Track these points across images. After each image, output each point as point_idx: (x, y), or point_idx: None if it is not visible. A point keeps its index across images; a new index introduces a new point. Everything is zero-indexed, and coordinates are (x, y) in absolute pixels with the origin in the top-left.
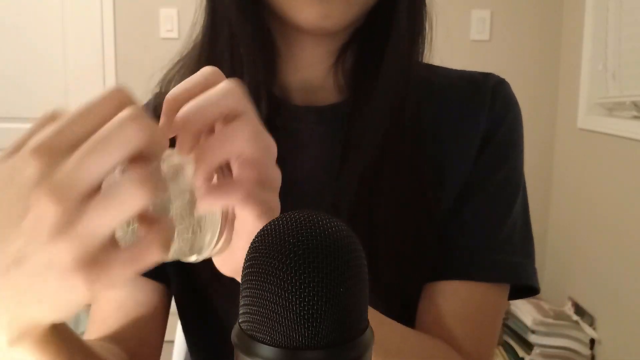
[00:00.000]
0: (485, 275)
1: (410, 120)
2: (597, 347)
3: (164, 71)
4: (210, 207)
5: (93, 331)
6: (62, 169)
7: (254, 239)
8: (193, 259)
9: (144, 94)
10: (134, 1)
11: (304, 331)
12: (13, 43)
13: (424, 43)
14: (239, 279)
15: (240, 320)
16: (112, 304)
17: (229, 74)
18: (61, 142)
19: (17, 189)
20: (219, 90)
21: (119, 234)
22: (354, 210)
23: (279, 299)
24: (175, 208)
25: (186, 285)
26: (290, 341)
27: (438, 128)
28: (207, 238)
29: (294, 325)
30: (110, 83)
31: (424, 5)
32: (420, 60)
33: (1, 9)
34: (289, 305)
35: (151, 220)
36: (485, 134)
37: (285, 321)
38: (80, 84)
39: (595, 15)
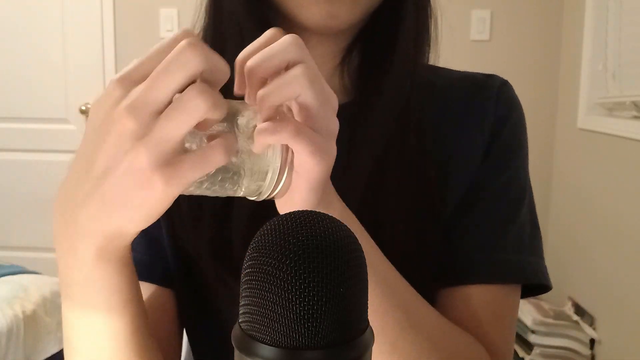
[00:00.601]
0: (501, 277)
1: (414, 121)
2: (597, 347)
3: None
4: (263, 144)
5: None
6: (136, 90)
7: (253, 239)
8: (254, 197)
9: None
10: (134, 1)
11: (304, 331)
12: (13, 43)
13: (429, 44)
14: None
15: (240, 320)
16: None
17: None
18: (137, 73)
19: (104, 110)
20: (280, 41)
21: (191, 146)
22: (360, 210)
23: (279, 299)
24: (242, 149)
25: (190, 286)
26: (290, 341)
27: (442, 129)
28: (268, 178)
29: (294, 325)
30: None
31: (429, 5)
32: (426, 61)
33: (1, 9)
34: (289, 305)
35: (216, 136)
36: (490, 135)
37: (285, 321)
38: (80, 84)
39: (595, 15)
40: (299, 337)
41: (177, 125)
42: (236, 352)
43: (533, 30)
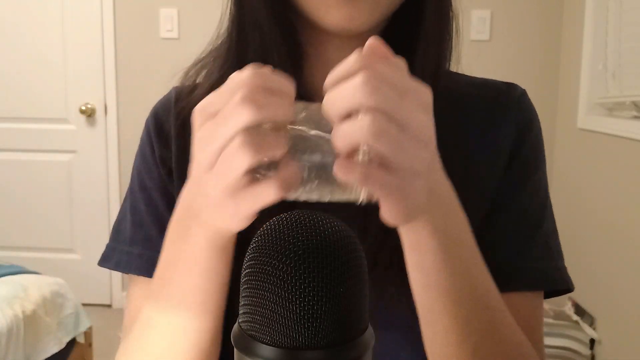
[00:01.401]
0: (533, 284)
1: (436, 128)
2: (597, 347)
3: (187, 68)
4: (340, 177)
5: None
6: (204, 130)
7: (253, 239)
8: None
9: (144, 93)
10: (134, 1)
11: (304, 331)
12: (13, 44)
13: (451, 48)
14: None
15: (240, 320)
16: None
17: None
18: (212, 107)
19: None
20: (352, 84)
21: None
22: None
23: (279, 299)
24: (324, 164)
25: None
26: (290, 341)
27: (462, 138)
28: (343, 196)
29: (294, 325)
30: (111, 83)
31: (451, 6)
32: (447, 65)
33: (1, 9)
34: (289, 305)
35: (282, 165)
36: (513, 146)
37: (285, 321)
38: (80, 84)
39: (595, 15)
40: (299, 337)
41: (230, 168)
42: (236, 352)
43: (533, 30)
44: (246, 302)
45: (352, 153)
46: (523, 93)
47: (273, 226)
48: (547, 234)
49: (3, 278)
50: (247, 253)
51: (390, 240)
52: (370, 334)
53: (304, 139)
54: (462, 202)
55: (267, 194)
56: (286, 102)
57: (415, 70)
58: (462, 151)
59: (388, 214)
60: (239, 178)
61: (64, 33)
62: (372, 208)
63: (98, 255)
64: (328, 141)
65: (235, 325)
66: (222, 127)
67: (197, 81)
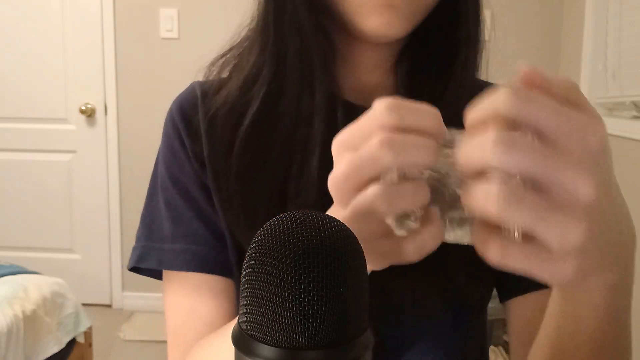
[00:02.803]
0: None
1: None
2: None
3: (210, 63)
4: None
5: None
6: (340, 163)
7: (254, 239)
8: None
9: (144, 93)
10: (134, 1)
11: (304, 331)
12: (13, 44)
13: (481, 53)
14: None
15: (240, 320)
16: (195, 317)
17: (297, 78)
18: (350, 140)
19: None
20: (491, 141)
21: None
22: None
23: (279, 299)
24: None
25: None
26: (290, 341)
27: None
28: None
29: (294, 325)
30: (111, 83)
31: (481, 11)
32: (477, 71)
33: (1, 10)
34: (289, 305)
35: (427, 219)
36: None
37: (285, 321)
38: (80, 84)
39: (595, 15)
40: (299, 337)
41: (366, 219)
42: (236, 352)
43: (533, 30)
44: (246, 302)
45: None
46: None
47: (273, 226)
48: None
49: (3, 278)
50: (247, 253)
51: None
52: (370, 334)
53: (440, 186)
54: None
55: (410, 254)
56: (429, 143)
57: (456, 73)
58: None
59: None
60: (378, 221)
61: (64, 33)
62: None
63: (98, 255)
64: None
65: (235, 325)
66: (358, 168)
67: (222, 76)
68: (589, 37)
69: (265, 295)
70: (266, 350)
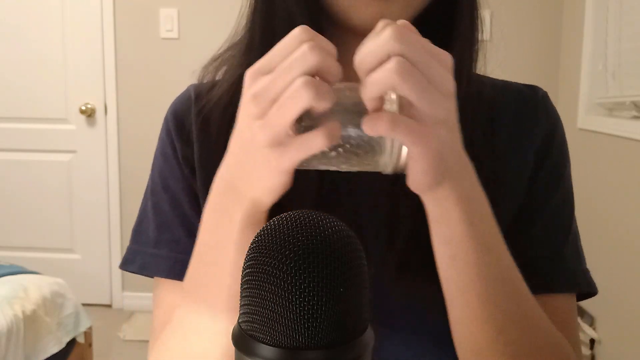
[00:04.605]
0: (567, 285)
1: (467, 131)
2: (597, 347)
3: (206, 64)
4: (369, 132)
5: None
6: (261, 81)
7: (254, 239)
8: (381, 171)
9: (144, 93)
10: (134, 1)
11: (304, 331)
12: (13, 44)
13: (477, 49)
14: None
15: (240, 320)
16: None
17: None
18: (265, 67)
19: (243, 94)
20: (382, 37)
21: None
22: (413, 219)
23: (279, 299)
24: (357, 134)
25: None
26: (290, 341)
27: (492, 140)
28: (386, 152)
29: (294, 325)
30: (111, 83)
31: (478, 8)
32: (475, 67)
33: (1, 10)
34: (289, 305)
35: (324, 118)
36: (541, 148)
37: (285, 321)
38: (80, 84)
39: (595, 15)
40: (299, 337)
41: (286, 112)
42: (236, 352)
43: (533, 30)
44: (246, 302)
45: (379, 107)
46: (545, 95)
47: (273, 226)
48: (575, 237)
49: (3, 278)
50: (247, 253)
51: (420, 244)
52: (370, 334)
53: (338, 104)
54: (491, 203)
55: (313, 143)
56: (336, 60)
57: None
58: (492, 153)
59: (416, 175)
60: (290, 124)
61: (64, 33)
62: (400, 216)
63: (98, 255)
64: (358, 112)
65: (235, 325)
66: (284, 74)
67: (216, 78)
68: (589, 37)
69: (265, 295)
70: (266, 350)
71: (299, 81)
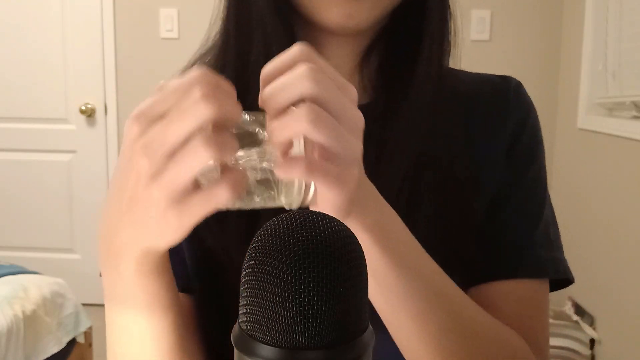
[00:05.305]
0: (534, 272)
1: (442, 124)
2: (597, 347)
3: (182, 70)
4: (282, 177)
5: None
6: (151, 131)
7: (254, 239)
8: (287, 207)
9: (144, 94)
10: (134, 1)
11: (304, 331)
12: (13, 44)
13: (449, 46)
14: None
15: (240, 320)
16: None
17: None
18: (153, 111)
19: (127, 145)
20: (296, 74)
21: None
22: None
23: (279, 299)
24: (264, 169)
25: (213, 290)
26: (290, 341)
27: (467, 133)
28: (295, 190)
29: (294, 325)
30: (111, 83)
31: (449, 6)
32: (447, 63)
33: (1, 10)
34: (289, 305)
35: (227, 169)
36: (512, 136)
37: (285, 321)
38: (80, 84)
39: (595, 15)
40: (299, 337)
41: (185, 170)
42: (236, 352)
43: (533, 30)
44: (246, 302)
45: (289, 149)
46: (518, 84)
47: (273, 226)
48: (547, 225)
49: (3, 278)
50: (247, 253)
51: None
52: (370, 334)
53: (241, 142)
54: (468, 198)
55: (218, 198)
56: (236, 103)
57: (421, 67)
58: (467, 146)
59: (324, 209)
60: (190, 181)
61: (64, 33)
62: None
63: (98, 255)
64: (263, 150)
65: (235, 325)
66: (177, 125)
67: None
68: (589, 37)
69: (265, 295)
70: (266, 350)
71: (198, 139)
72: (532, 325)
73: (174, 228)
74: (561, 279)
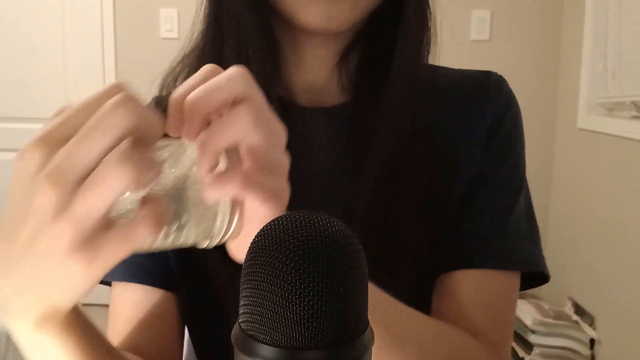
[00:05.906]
0: (498, 263)
1: (420, 120)
2: (597, 347)
3: (164, 74)
4: (213, 198)
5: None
6: (58, 156)
7: (254, 239)
8: (206, 244)
9: (144, 94)
10: (134, 1)
11: (304, 331)
12: (13, 43)
13: (429, 44)
14: None
15: (240, 320)
16: (127, 318)
17: None
18: (60, 133)
19: (25, 176)
20: (224, 75)
21: (121, 215)
22: (370, 211)
23: (279, 299)
24: (189, 195)
25: (196, 289)
26: (290, 341)
27: (446, 127)
28: (217, 224)
29: (294, 325)
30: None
31: (429, 5)
32: (425, 61)
33: (1, 9)
34: (289, 305)
35: (148, 201)
36: (490, 128)
37: (285, 321)
38: (80, 84)
39: (595, 15)
40: (299, 337)
41: (99, 199)
42: (236, 352)
43: (533, 30)
44: (246, 302)
45: (214, 165)
46: (500, 79)
47: (273, 226)
48: (519, 218)
49: None
50: (247, 253)
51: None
52: (370, 333)
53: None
54: (450, 192)
55: (137, 236)
56: (157, 117)
57: (395, 65)
58: (447, 138)
59: (266, 219)
60: (103, 213)
61: (64, 33)
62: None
63: None
64: (183, 174)
65: (235, 326)
66: (88, 144)
67: (177, 85)
68: (588, 37)
69: (265, 295)
70: (266, 350)
71: (115, 157)
72: (492, 315)
73: (78, 277)
74: (538, 276)
